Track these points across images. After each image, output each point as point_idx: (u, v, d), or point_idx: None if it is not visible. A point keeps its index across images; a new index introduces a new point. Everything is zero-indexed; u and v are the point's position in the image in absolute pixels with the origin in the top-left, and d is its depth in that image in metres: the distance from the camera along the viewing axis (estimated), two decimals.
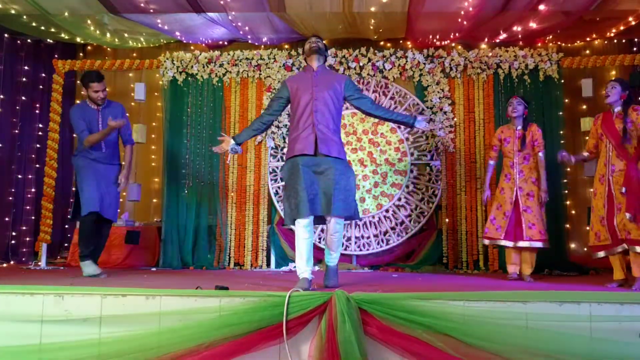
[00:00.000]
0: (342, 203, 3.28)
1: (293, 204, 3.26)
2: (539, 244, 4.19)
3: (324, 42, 3.60)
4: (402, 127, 5.62)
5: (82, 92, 4.42)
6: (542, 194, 4.23)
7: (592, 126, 4.09)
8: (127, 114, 4.72)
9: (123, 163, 4.57)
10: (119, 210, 6.13)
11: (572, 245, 5.55)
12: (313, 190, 3.27)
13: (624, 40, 5.88)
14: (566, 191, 5.42)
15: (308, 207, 3.21)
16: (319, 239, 5.52)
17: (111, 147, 4.45)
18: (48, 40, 6.09)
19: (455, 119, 5.57)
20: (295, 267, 5.32)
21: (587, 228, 4.01)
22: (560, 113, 5.47)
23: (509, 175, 4.36)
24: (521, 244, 4.21)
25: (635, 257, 3.56)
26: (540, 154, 4.31)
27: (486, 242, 4.44)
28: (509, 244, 4.27)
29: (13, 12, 5.06)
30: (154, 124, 6.33)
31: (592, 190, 4.04)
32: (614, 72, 5.80)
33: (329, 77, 3.57)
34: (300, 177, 3.25)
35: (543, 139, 4.38)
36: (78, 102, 6.04)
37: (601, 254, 3.81)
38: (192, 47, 6.12)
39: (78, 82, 6.38)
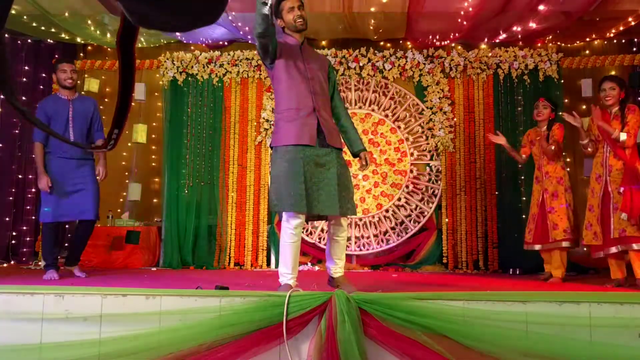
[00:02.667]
0: (346, 201, 2.84)
1: (287, 194, 2.74)
2: (563, 244, 4.09)
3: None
4: (402, 127, 5.63)
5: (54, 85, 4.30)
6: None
7: (589, 122, 4.07)
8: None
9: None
10: (119, 210, 6.19)
11: None
12: (313, 184, 2.78)
13: (623, 41, 5.89)
14: None
15: (305, 203, 2.71)
16: (319, 239, 5.52)
17: (82, 141, 4.16)
18: (48, 40, 6.10)
19: (455, 119, 5.57)
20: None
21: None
22: (560, 113, 5.46)
23: (538, 178, 4.35)
24: (546, 246, 4.18)
25: (636, 256, 3.56)
26: (553, 147, 4.19)
27: (525, 247, 4.39)
28: (538, 247, 4.25)
29: (13, 12, 5.06)
30: (154, 124, 6.34)
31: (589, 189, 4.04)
32: (613, 72, 5.79)
33: (315, 54, 3.09)
34: (300, 168, 2.75)
35: (563, 137, 4.30)
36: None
37: (600, 254, 3.80)
38: (192, 47, 6.12)
39: (78, 81, 6.38)
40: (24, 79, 6.04)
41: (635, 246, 3.52)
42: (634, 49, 5.82)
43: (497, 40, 5.56)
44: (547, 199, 4.19)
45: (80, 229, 4.20)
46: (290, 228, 2.83)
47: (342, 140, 3.06)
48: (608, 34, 5.46)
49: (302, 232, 5.41)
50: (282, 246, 2.87)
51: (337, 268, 3.00)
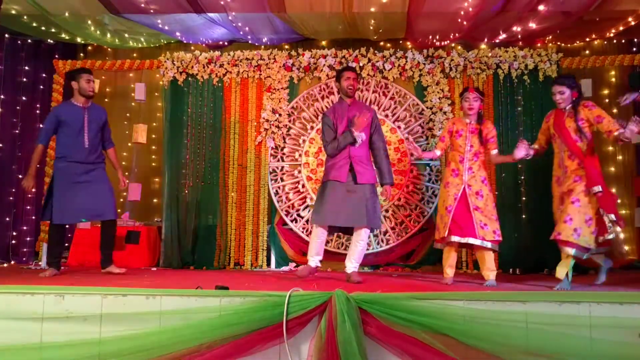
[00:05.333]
0: (368, 216, 3.84)
1: (317, 210, 3.92)
2: (489, 245, 3.94)
3: (358, 73, 4.37)
4: (402, 127, 5.63)
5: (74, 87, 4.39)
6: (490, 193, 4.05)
7: (543, 123, 4.02)
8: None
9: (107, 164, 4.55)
10: (119, 210, 6.20)
11: None
12: (340, 204, 3.84)
13: (623, 41, 5.89)
14: None
15: (328, 216, 3.85)
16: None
17: (95, 147, 4.37)
18: (48, 40, 6.10)
19: None
20: (295, 266, 5.38)
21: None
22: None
23: (456, 171, 4.07)
24: (472, 241, 3.90)
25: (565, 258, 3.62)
26: (495, 151, 4.13)
27: (438, 246, 4.13)
28: (456, 238, 3.90)
29: (13, 12, 5.06)
30: (154, 124, 6.34)
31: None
32: (613, 73, 5.81)
33: (361, 107, 4.12)
34: (330, 193, 3.86)
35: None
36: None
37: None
38: (192, 48, 6.12)
39: None
40: (24, 79, 6.04)
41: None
42: (634, 49, 5.82)
43: (497, 40, 5.55)
44: (471, 197, 3.96)
45: (104, 230, 4.39)
46: (318, 231, 3.98)
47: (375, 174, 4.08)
48: (608, 34, 5.46)
49: (303, 233, 5.58)
50: (310, 240, 4.08)
51: (349, 265, 3.97)
